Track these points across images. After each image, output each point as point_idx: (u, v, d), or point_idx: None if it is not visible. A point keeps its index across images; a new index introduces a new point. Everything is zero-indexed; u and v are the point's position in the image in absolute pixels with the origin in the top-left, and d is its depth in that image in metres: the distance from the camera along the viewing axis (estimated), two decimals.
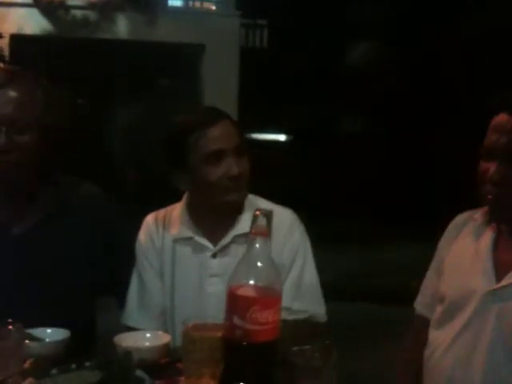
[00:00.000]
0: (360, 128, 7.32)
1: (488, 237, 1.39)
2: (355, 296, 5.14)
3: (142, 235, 1.71)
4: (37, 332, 1.41)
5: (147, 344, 1.39)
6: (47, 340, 1.40)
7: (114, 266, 1.68)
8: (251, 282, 1.16)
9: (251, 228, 1.19)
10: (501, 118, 1.32)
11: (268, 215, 1.21)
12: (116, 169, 5.49)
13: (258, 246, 1.17)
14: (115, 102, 5.47)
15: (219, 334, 1.21)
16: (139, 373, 1.20)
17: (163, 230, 1.69)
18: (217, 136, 1.58)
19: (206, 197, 1.62)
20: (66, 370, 1.17)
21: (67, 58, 5.51)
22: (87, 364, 1.19)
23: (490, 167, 1.33)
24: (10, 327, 1.28)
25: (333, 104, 6.58)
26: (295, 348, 1.20)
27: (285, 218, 1.68)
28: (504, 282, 1.32)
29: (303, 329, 1.53)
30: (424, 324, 1.50)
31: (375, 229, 7.37)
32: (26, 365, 1.29)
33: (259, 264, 1.17)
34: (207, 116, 1.62)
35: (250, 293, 1.15)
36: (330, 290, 1.80)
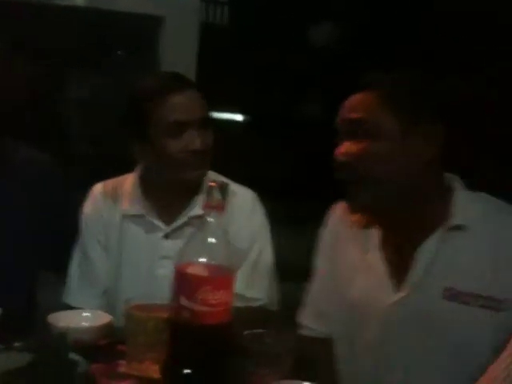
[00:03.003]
0: (321, 112, 7.24)
1: (373, 242, 1.28)
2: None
3: (88, 207, 1.59)
4: None
5: (85, 324, 1.28)
6: None
7: (56, 237, 1.55)
8: (202, 260, 1.06)
9: (204, 201, 1.09)
10: (352, 97, 1.25)
11: (223, 187, 1.11)
12: (69, 142, 5.29)
13: (211, 220, 1.07)
14: (69, 71, 5.25)
15: (164, 316, 1.11)
16: (73, 355, 1.09)
17: (112, 202, 1.56)
18: (178, 105, 1.45)
19: (163, 172, 1.50)
20: None
21: (21, 24, 5.25)
22: (16, 345, 1.07)
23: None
24: None
25: (293, 87, 6.44)
26: (247, 332, 1.11)
27: (246, 199, 1.57)
28: (404, 292, 1.22)
29: (256, 315, 1.44)
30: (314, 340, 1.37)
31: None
32: None
33: (212, 240, 1.08)
34: (169, 82, 1.49)
35: (201, 271, 1.05)
36: (294, 271, 1.72)
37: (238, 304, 1.21)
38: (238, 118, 7.52)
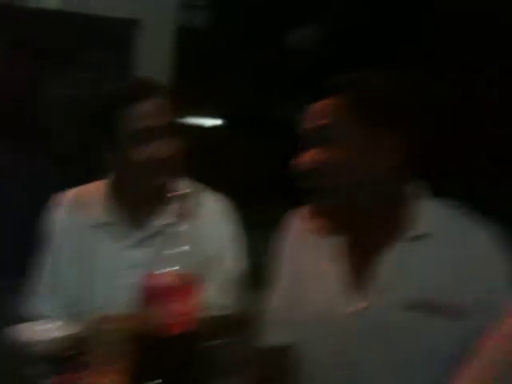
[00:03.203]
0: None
1: (334, 250, 1.26)
2: None
3: (55, 215, 1.56)
4: None
5: (51, 335, 1.26)
6: None
7: (22, 244, 1.53)
8: (170, 269, 1.06)
9: (173, 209, 1.09)
10: (317, 104, 1.23)
11: (192, 195, 1.11)
12: (41, 142, 5.22)
13: (180, 229, 1.07)
14: (47, 73, 5.19)
15: (130, 326, 1.10)
16: (38, 367, 1.07)
17: (79, 211, 1.54)
18: (144, 112, 1.44)
19: (130, 180, 1.48)
20: None
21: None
22: None
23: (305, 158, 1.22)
24: None
25: (273, 90, 6.44)
26: (214, 341, 1.10)
27: (217, 207, 1.56)
28: (365, 302, 1.20)
29: (226, 323, 1.43)
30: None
31: None
32: None
33: (180, 249, 1.07)
34: (137, 89, 1.48)
35: (167, 281, 1.05)
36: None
37: (209, 312, 1.20)
38: (217, 121, 7.49)
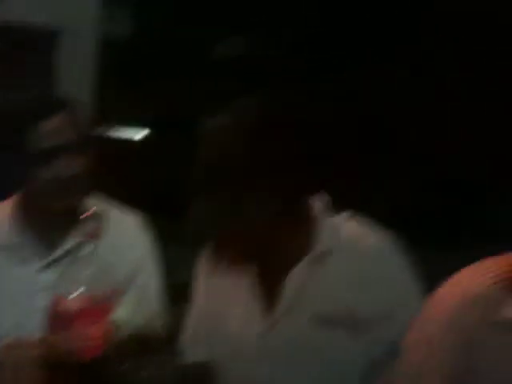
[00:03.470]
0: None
1: (245, 276, 1.24)
2: None
3: None
4: None
5: None
6: None
7: None
8: (78, 292, 1.03)
9: (82, 230, 1.06)
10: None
11: (101, 215, 1.09)
12: None
13: (84, 251, 1.04)
14: None
15: (41, 352, 1.06)
16: None
17: None
18: (48, 132, 1.38)
19: (40, 198, 1.43)
20: None
21: None
22: None
23: None
24: None
25: (197, 100, 6.45)
26: (127, 364, 1.07)
27: (129, 225, 1.51)
28: (273, 321, 1.18)
29: (140, 344, 1.40)
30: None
31: None
32: None
33: (89, 271, 1.04)
34: (43, 105, 1.43)
35: (75, 305, 1.02)
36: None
37: (124, 332, 1.17)
38: (142, 131, 7.39)
